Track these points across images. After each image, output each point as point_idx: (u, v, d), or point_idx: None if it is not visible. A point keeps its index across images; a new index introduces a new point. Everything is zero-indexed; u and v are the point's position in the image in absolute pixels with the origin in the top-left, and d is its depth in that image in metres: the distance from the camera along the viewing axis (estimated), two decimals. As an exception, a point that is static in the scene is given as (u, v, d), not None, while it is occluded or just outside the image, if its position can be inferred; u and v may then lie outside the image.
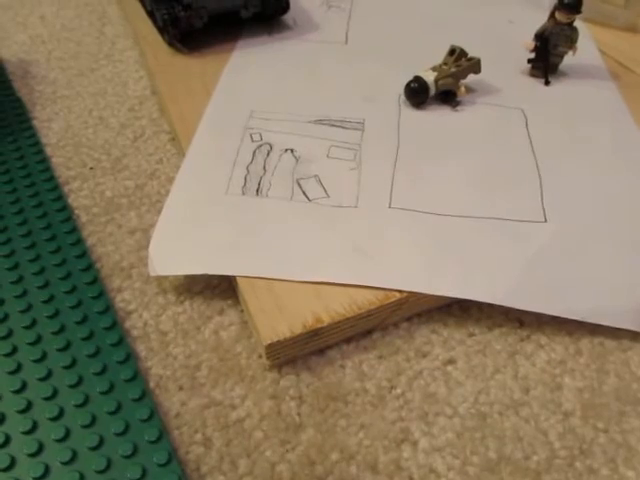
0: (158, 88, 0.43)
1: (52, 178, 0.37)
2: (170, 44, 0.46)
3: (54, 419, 0.26)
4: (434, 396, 0.28)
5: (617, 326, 0.30)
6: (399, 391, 0.28)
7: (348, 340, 0.30)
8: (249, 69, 0.45)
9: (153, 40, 0.47)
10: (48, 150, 0.40)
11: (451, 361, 0.29)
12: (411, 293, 0.29)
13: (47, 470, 0.24)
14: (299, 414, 0.27)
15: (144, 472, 0.24)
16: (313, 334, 0.28)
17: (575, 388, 0.28)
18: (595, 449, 0.26)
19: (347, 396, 0.28)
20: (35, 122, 0.42)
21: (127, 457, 0.24)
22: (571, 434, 0.26)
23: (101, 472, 0.24)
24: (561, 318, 0.30)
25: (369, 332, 0.30)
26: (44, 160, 0.39)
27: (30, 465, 0.24)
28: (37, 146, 0.40)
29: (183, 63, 0.45)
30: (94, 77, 0.47)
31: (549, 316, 0.30)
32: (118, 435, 0.25)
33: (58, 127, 0.42)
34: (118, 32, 0.52)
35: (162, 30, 0.46)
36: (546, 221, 0.34)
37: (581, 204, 0.35)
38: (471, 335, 0.30)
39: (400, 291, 0.29)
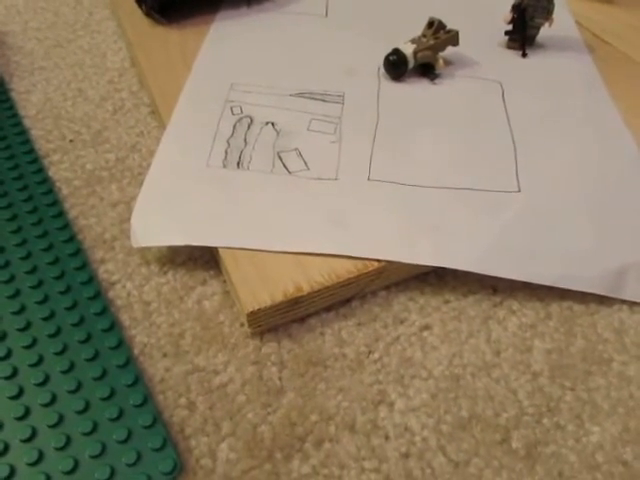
0: (137, 60, 0.43)
1: (32, 150, 0.37)
2: (148, 15, 0.46)
3: (40, 385, 0.26)
4: (410, 360, 0.29)
5: (585, 290, 0.31)
6: (377, 356, 0.29)
7: (328, 308, 0.31)
8: (229, 41, 0.44)
9: (131, 11, 0.47)
10: (27, 122, 0.40)
11: (427, 327, 0.30)
12: (389, 262, 0.30)
13: (34, 432, 0.25)
14: (280, 379, 0.28)
15: (130, 434, 0.25)
16: (294, 302, 0.29)
17: (544, 350, 0.29)
18: (562, 407, 0.27)
19: (326, 361, 0.29)
20: (13, 94, 0.42)
21: (113, 420, 0.25)
22: (539, 393, 0.28)
23: (88, 434, 0.25)
24: (533, 284, 0.31)
25: (348, 301, 0.31)
26: (23, 132, 0.38)
27: (18, 428, 0.25)
28: (15, 118, 0.39)
29: (162, 35, 0.45)
30: (71, 48, 0.46)
31: (521, 283, 0.31)
32: (104, 400, 0.26)
33: (36, 99, 0.42)
34: (95, 1, 0.51)
35: (140, 0, 0.46)
36: (520, 191, 0.35)
37: (554, 175, 0.36)
38: (447, 302, 0.31)
39: (378, 260, 0.30)
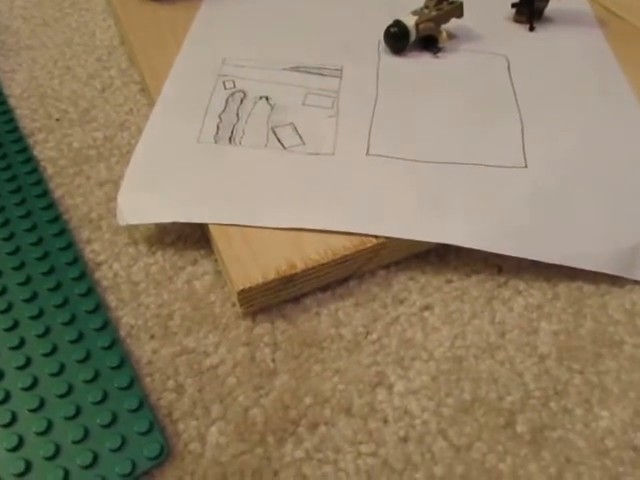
0: (127, 37, 0.42)
1: (16, 129, 0.36)
2: (138, -10, 0.44)
3: (21, 368, 0.25)
4: (410, 341, 0.28)
5: (595, 270, 0.29)
6: (375, 337, 0.28)
7: (324, 288, 0.29)
8: (221, 16, 0.43)
9: (121, -13, 0.45)
10: (12, 101, 0.38)
11: (428, 307, 0.29)
12: (387, 238, 0.29)
13: (14, 417, 0.24)
14: (273, 360, 0.27)
15: (114, 417, 0.24)
16: (287, 280, 0.27)
17: (551, 331, 0.28)
18: (570, 390, 0.26)
19: (322, 342, 0.27)
20: (-2, 73, 0.41)
21: (97, 403, 0.24)
22: (546, 376, 0.26)
23: (70, 419, 0.24)
24: (540, 264, 0.30)
25: (346, 280, 0.30)
26: (8, 111, 0.37)
27: (-3, 414, 0.24)
28: (0, 97, 0.38)
29: (152, 11, 0.43)
30: (59, 26, 0.45)
31: (527, 262, 0.30)
32: (87, 382, 0.25)
33: (22, 78, 0.40)
34: (85, -20, 0.50)
35: (130, -25, 0.44)
36: (527, 167, 0.33)
37: (562, 150, 0.34)
38: (449, 282, 0.30)
39: (376, 236, 0.29)
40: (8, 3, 0.47)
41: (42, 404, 0.24)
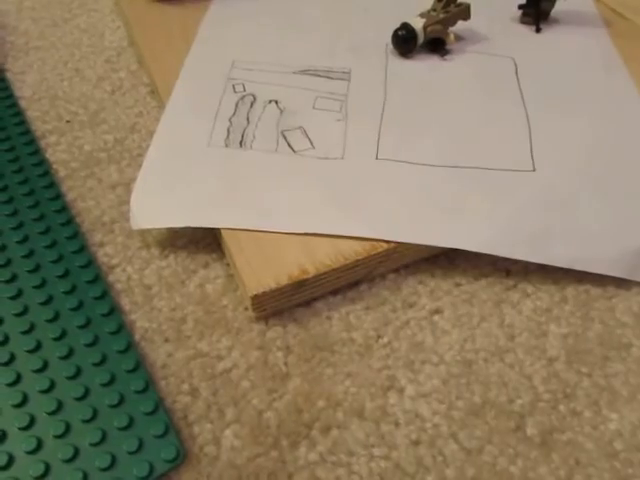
0: (135, 39, 0.42)
1: (28, 132, 0.36)
2: (147, -9, 0.44)
3: (38, 371, 0.25)
4: (420, 345, 0.28)
5: (603, 273, 0.30)
6: (386, 340, 0.28)
7: (335, 292, 0.30)
8: (230, 18, 0.43)
9: (129, -12, 0.45)
10: (23, 103, 0.39)
11: (438, 311, 0.29)
12: (398, 243, 0.29)
13: (32, 420, 0.24)
14: (286, 364, 0.27)
15: (131, 421, 0.24)
16: (299, 285, 0.28)
17: (560, 335, 0.28)
18: (579, 393, 0.26)
19: (334, 346, 0.28)
20: (8, 75, 0.41)
21: (114, 407, 0.24)
22: (555, 378, 0.27)
23: (87, 421, 0.24)
24: (547, 267, 0.30)
25: (356, 284, 0.30)
26: (18, 113, 0.37)
27: (16, 416, 0.24)
28: (11, 99, 0.38)
29: (161, 12, 0.43)
30: (68, 28, 0.45)
31: (536, 265, 0.30)
32: (104, 386, 0.25)
33: (32, 80, 0.41)
34: (92, -20, 0.50)
35: (138, -24, 0.44)
36: (535, 170, 0.33)
37: (570, 153, 0.34)
38: (458, 285, 0.30)
39: (387, 241, 0.29)
40: (17, 4, 0.47)
41: (59, 407, 0.24)
